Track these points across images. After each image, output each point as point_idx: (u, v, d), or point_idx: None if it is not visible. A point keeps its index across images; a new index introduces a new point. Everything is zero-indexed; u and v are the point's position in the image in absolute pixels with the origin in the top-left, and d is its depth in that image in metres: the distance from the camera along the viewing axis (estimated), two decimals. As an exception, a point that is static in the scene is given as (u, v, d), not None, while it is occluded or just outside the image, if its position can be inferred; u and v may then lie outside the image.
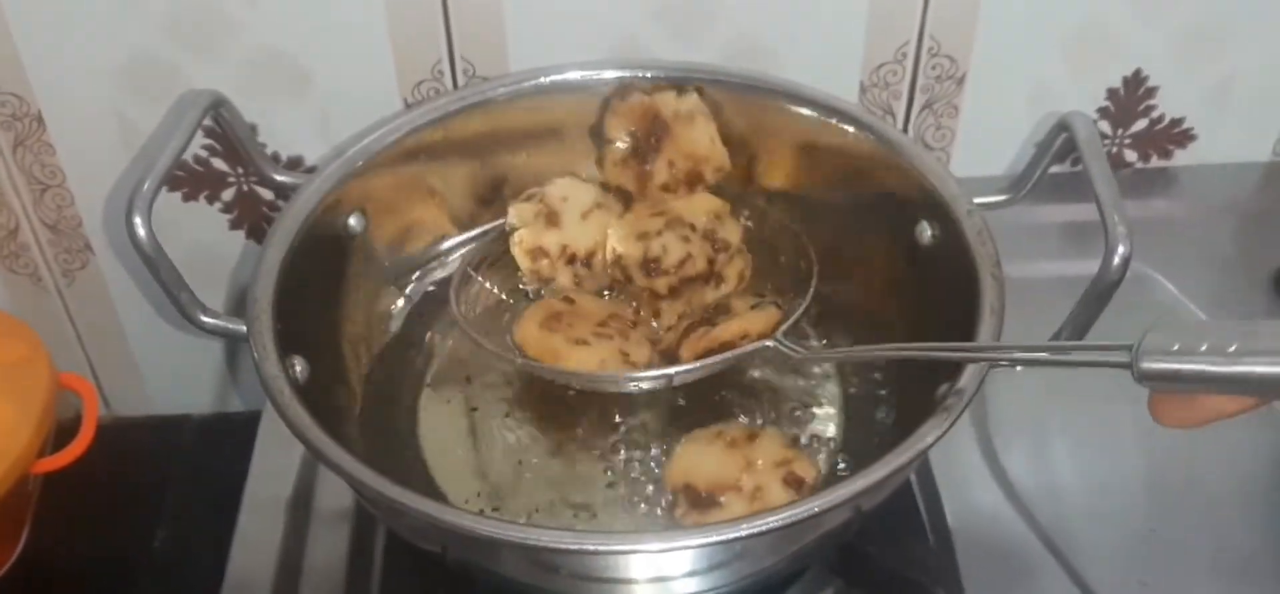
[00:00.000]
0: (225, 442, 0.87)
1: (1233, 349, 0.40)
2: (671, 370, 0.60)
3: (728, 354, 0.60)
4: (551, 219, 0.69)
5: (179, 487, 0.85)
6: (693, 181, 0.69)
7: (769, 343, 0.60)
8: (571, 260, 0.68)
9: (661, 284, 0.66)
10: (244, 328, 0.56)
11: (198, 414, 0.91)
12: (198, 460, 0.88)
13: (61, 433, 0.74)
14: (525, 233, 0.68)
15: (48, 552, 0.76)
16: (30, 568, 0.75)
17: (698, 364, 0.60)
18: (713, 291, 0.67)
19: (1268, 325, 0.41)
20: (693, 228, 0.67)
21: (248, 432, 0.70)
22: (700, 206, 0.68)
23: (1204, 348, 0.41)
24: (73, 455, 0.73)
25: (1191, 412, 0.44)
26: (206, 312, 0.57)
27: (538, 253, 0.68)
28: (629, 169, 0.69)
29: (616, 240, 0.68)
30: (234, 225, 0.81)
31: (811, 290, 0.64)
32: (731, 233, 0.68)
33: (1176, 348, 0.41)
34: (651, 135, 0.68)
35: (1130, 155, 0.83)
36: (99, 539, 0.80)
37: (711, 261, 0.67)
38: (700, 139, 0.68)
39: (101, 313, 0.85)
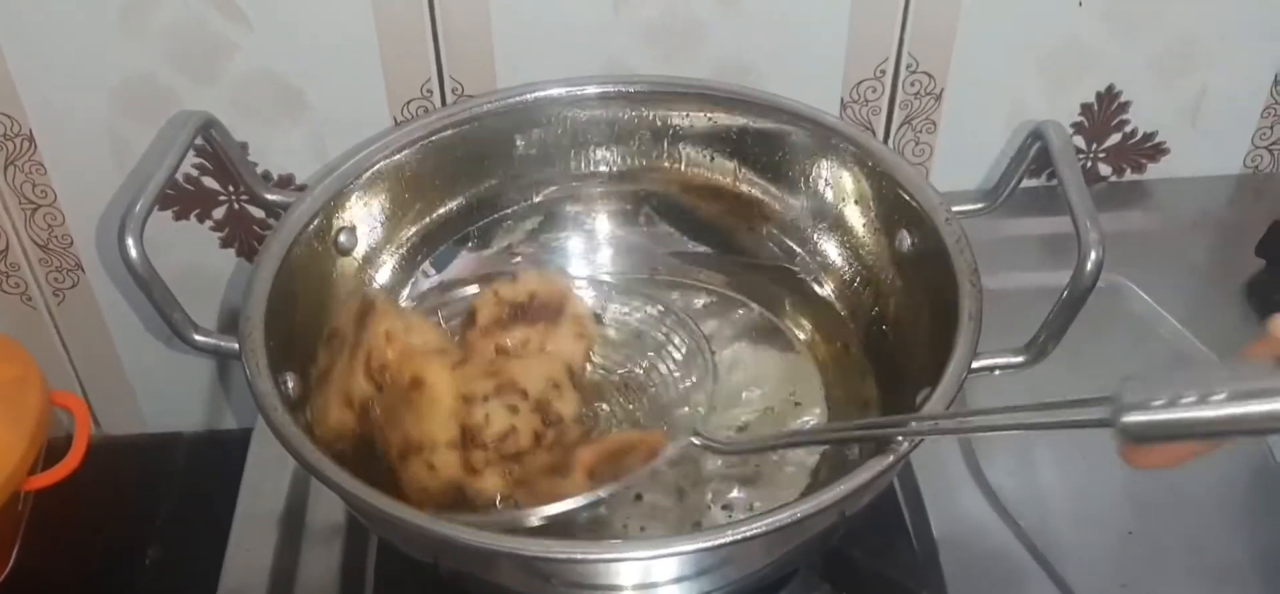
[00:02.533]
0: (217, 459, 0.88)
1: (1221, 395, 0.38)
2: (580, 500, 0.56)
3: (645, 468, 0.57)
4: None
5: (170, 504, 0.86)
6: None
7: (694, 441, 0.59)
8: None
9: (477, 458, 0.59)
10: (236, 345, 0.57)
11: (189, 432, 0.92)
12: (189, 478, 0.89)
13: (52, 451, 0.75)
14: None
15: (39, 570, 0.77)
16: (21, 586, 0.76)
17: (612, 486, 0.56)
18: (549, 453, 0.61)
19: (1245, 365, 0.40)
20: (525, 393, 0.60)
21: (239, 449, 0.71)
22: (537, 370, 0.61)
23: (1190, 398, 0.39)
24: (64, 473, 0.73)
25: (1168, 456, 0.42)
26: (199, 330, 0.58)
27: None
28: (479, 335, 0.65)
29: None
30: (225, 243, 0.81)
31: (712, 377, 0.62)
32: (568, 405, 0.61)
33: (1160, 401, 0.39)
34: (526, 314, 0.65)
35: (1104, 169, 0.85)
36: (90, 557, 0.81)
37: (538, 436, 0.59)
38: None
39: (92, 332, 0.85)
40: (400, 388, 0.59)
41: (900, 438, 0.51)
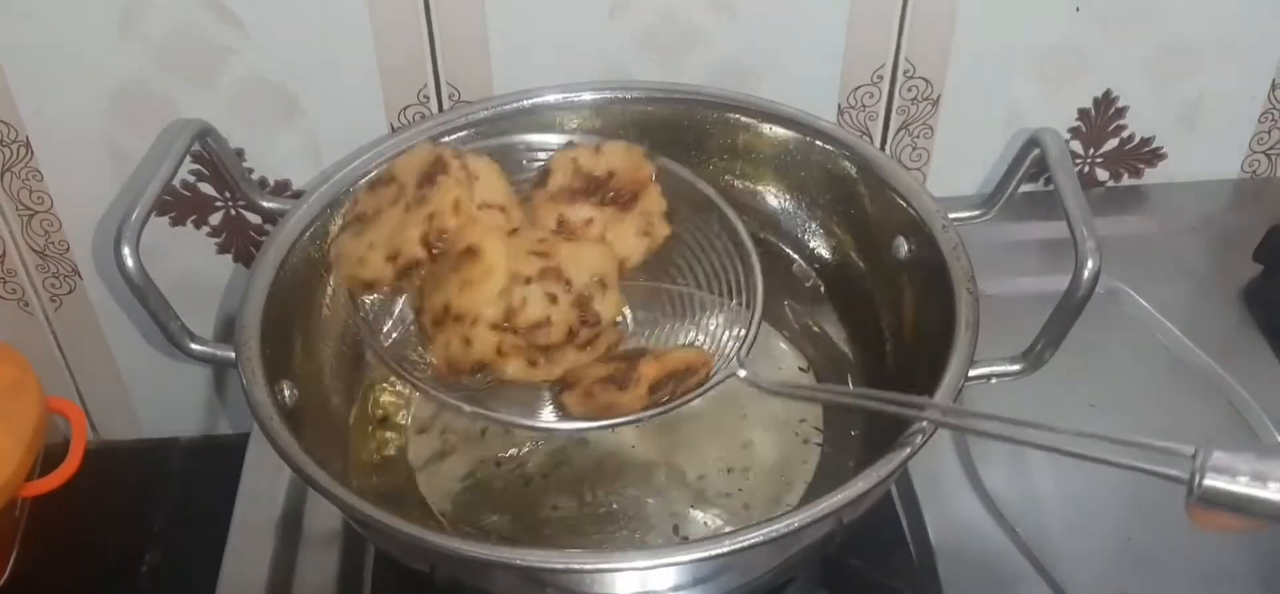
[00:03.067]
0: (214, 464, 0.88)
1: None
2: (620, 420, 0.56)
3: (691, 395, 0.57)
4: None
5: (167, 510, 0.86)
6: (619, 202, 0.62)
7: (741, 374, 0.58)
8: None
9: (506, 341, 0.57)
10: (233, 354, 0.57)
11: (186, 437, 0.92)
12: (186, 483, 0.89)
13: (49, 457, 0.75)
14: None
15: (36, 577, 0.77)
16: (18, 592, 0.76)
17: (655, 410, 0.56)
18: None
19: None
20: (569, 284, 0.58)
21: (236, 454, 0.71)
22: (587, 261, 0.59)
23: (1276, 481, 0.39)
24: (61, 479, 0.74)
25: (1230, 524, 0.42)
26: (195, 339, 0.58)
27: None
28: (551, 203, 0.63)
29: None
30: (222, 249, 0.81)
31: (758, 311, 0.60)
32: (609, 306, 0.58)
33: (1244, 476, 0.40)
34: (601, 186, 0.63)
35: (1102, 174, 0.85)
36: (87, 563, 0.81)
37: (572, 332, 0.57)
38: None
39: (89, 337, 0.85)
40: (452, 253, 0.57)
41: (933, 421, 0.51)
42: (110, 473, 0.85)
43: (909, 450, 0.52)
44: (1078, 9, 0.75)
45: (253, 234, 0.81)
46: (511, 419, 0.58)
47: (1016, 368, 0.56)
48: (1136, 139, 0.83)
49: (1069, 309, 0.54)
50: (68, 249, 0.80)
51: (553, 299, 0.57)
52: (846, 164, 0.68)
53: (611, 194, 0.62)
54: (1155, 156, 0.84)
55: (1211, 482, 0.40)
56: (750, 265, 0.62)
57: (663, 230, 0.62)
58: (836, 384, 0.68)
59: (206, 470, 0.89)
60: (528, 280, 0.57)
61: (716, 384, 0.58)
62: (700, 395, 0.57)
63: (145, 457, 0.90)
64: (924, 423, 0.52)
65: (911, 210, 0.63)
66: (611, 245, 0.61)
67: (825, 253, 0.70)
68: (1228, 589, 0.62)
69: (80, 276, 0.81)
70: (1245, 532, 0.43)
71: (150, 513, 0.86)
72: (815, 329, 0.70)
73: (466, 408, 0.57)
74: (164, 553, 0.83)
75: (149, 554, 0.83)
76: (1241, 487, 0.40)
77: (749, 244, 0.63)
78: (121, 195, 0.76)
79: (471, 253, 0.56)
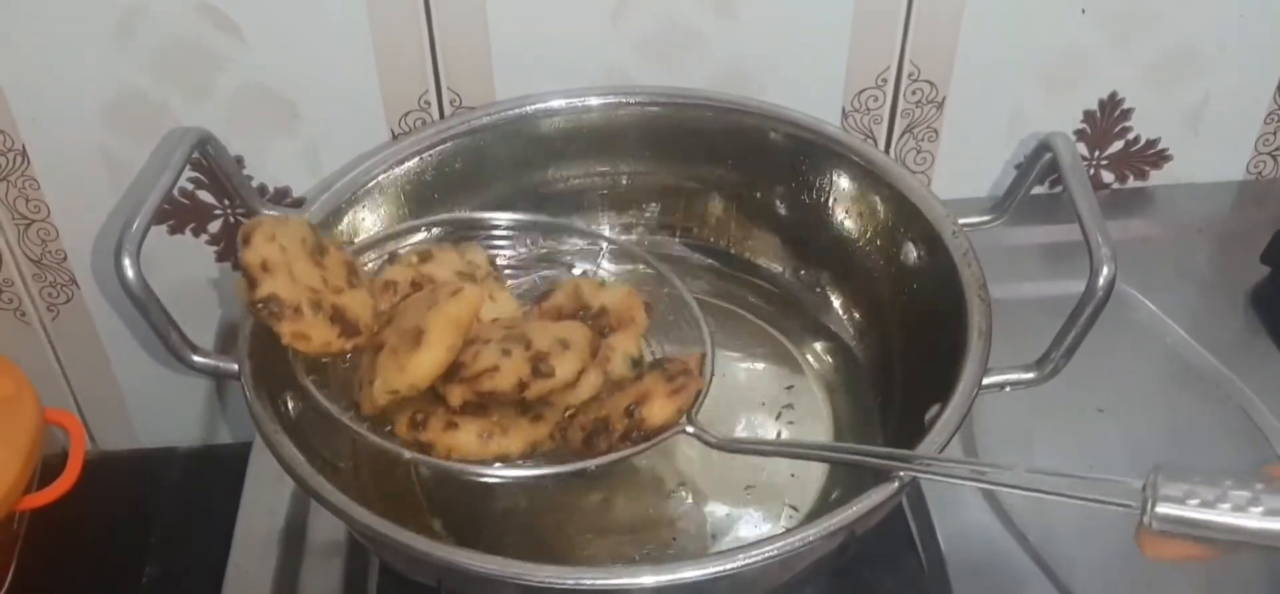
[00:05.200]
0: (213, 474, 0.87)
1: (1259, 508, 0.39)
2: (564, 468, 0.55)
3: (640, 446, 0.55)
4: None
5: (167, 521, 0.85)
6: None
7: (687, 429, 0.56)
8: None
9: (455, 393, 0.55)
10: (235, 366, 0.56)
11: (184, 447, 0.91)
12: (185, 494, 0.88)
13: (47, 468, 0.74)
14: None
15: (35, 588, 0.76)
16: (18, 606, 0.75)
17: (607, 457, 0.55)
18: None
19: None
20: (527, 346, 0.56)
21: (235, 464, 0.70)
22: (554, 330, 0.58)
23: (1225, 503, 0.40)
24: (60, 491, 0.73)
25: (1180, 551, 0.43)
26: (197, 351, 0.57)
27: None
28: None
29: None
30: (221, 257, 0.81)
31: (710, 372, 0.59)
32: (566, 365, 0.56)
33: (1195, 500, 0.40)
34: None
35: (1107, 176, 0.84)
36: (86, 576, 0.80)
37: (523, 385, 0.55)
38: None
39: (87, 347, 0.84)
40: (408, 316, 0.57)
41: (902, 473, 0.51)
42: (108, 484, 0.84)
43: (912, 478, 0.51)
44: (1083, 11, 0.75)
45: (252, 242, 0.80)
46: (451, 466, 0.56)
47: (1031, 376, 0.56)
48: (1142, 141, 0.82)
49: (1086, 317, 0.53)
50: (65, 258, 0.79)
51: (506, 353, 0.55)
52: (852, 169, 0.67)
53: (595, 323, 0.61)
54: (1161, 159, 0.84)
55: (1163, 509, 0.41)
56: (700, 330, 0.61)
57: (620, 368, 0.60)
58: (843, 390, 0.67)
59: (205, 480, 0.88)
60: (487, 341, 0.56)
61: (663, 439, 0.56)
62: (647, 448, 0.56)
63: (143, 467, 0.89)
64: (899, 475, 0.51)
65: (920, 216, 0.63)
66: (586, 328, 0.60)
67: (833, 259, 0.69)
68: (1237, 595, 0.61)
69: (77, 286, 0.81)
70: (1194, 559, 0.43)
71: (149, 524, 0.85)
72: (823, 338, 0.69)
73: (406, 455, 0.56)
74: (163, 564, 0.82)
75: (148, 566, 0.82)
76: (1192, 511, 0.40)
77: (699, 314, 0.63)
78: (121, 204, 0.75)
79: (417, 339, 0.55)
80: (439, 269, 0.63)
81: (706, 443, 0.56)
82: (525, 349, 0.56)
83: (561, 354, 0.56)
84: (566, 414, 0.57)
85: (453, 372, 0.55)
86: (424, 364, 0.54)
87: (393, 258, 0.64)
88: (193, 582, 0.79)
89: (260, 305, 0.54)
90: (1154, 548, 0.44)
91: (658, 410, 0.55)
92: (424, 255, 0.64)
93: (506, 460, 0.56)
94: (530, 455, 0.56)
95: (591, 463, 0.55)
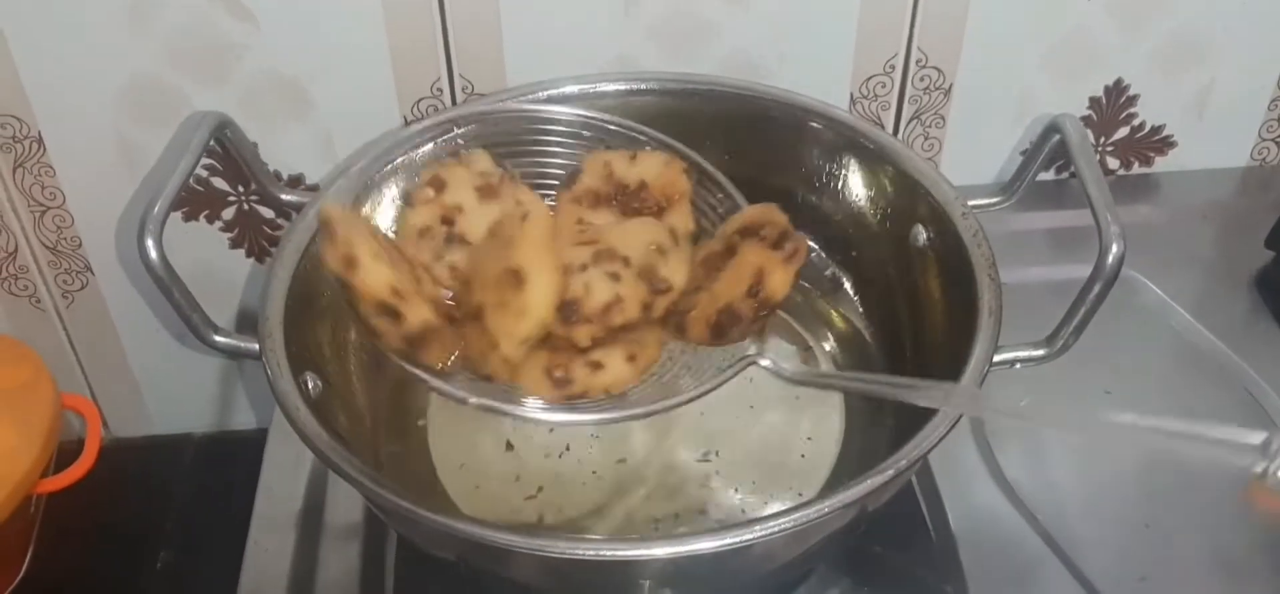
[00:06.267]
0: (225, 460, 0.88)
1: None
2: (632, 411, 0.54)
3: (707, 388, 0.55)
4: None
5: (180, 505, 0.86)
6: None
7: (763, 363, 0.56)
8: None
9: (583, 333, 0.55)
10: (256, 346, 0.56)
11: (198, 433, 0.92)
12: (199, 479, 0.89)
13: (62, 454, 0.75)
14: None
15: (52, 572, 0.76)
16: (35, 590, 0.75)
17: (668, 403, 0.54)
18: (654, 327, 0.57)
19: None
20: (626, 262, 0.55)
21: (248, 448, 0.71)
22: (637, 236, 0.56)
23: None
24: (76, 476, 0.73)
25: None
26: (218, 331, 0.58)
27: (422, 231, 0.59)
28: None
29: None
30: (234, 244, 0.81)
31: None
32: (676, 269, 0.56)
33: None
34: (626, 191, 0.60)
35: (1112, 162, 0.85)
36: (102, 560, 0.81)
37: (647, 306, 0.55)
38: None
39: (101, 334, 0.85)
40: (498, 257, 0.54)
41: (986, 415, 0.51)
42: (123, 469, 0.85)
43: (935, 437, 0.52)
44: (1089, -2, 0.76)
45: (266, 229, 0.81)
46: (523, 412, 0.55)
47: (1040, 353, 0.57)
48: (1147, 127, 0.83)
49: (1095, 295, 0.54)
50: (80, 245, 0.79)
51: (615, 277, 0.54)
52: (862, 152, 0.68)
53: (637, 206, 0.60)
54: (1166, 145, 0.84)
55: None
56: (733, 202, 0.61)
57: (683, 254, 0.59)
58: (860, 371, 0.68)
59: (219, 465, 0.89)
60: (584, 267, 0.55)
61: (736, 372, 0.57)
62: (719, 385, 0.56)
63: (158, 452, 0.90)
64: (956, 414, 0.51)
65: (930, 198, 0.63)
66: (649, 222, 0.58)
67: (843, 242, 0.70)
68: (1245, 575, 0.62)
69: (92, 273, 0.81)
70: None
71: (163, 508, 0.85)
72: (835, 318, 0.70)
73: (471, 401, 0.55)
74: (178, 548, 0.83)
75: (163, 550, 0.83)
76: None
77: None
78: (143, 188, 0.76)
79: (518, 278, 0.53)
80: (459, 193, 0.60)
81: (780, 375, 0.57)
82: (627, 266, 0.54)
83: (666, 260, 0.55)
84: (688, 310, 0.56)
85: (568, 312, 0.54)
86: (540, 295, 0.52)
87: (409, 202, 0.61)
88: (207, 564, 0.80)
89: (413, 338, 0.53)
90: (1266, 501, 0.44)
91: (779, 282, 0.54)
92: (437, 183, 0.61)
93: (650, 370, 0.55)
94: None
95: (658, 407, 0.54)
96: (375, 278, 0.53)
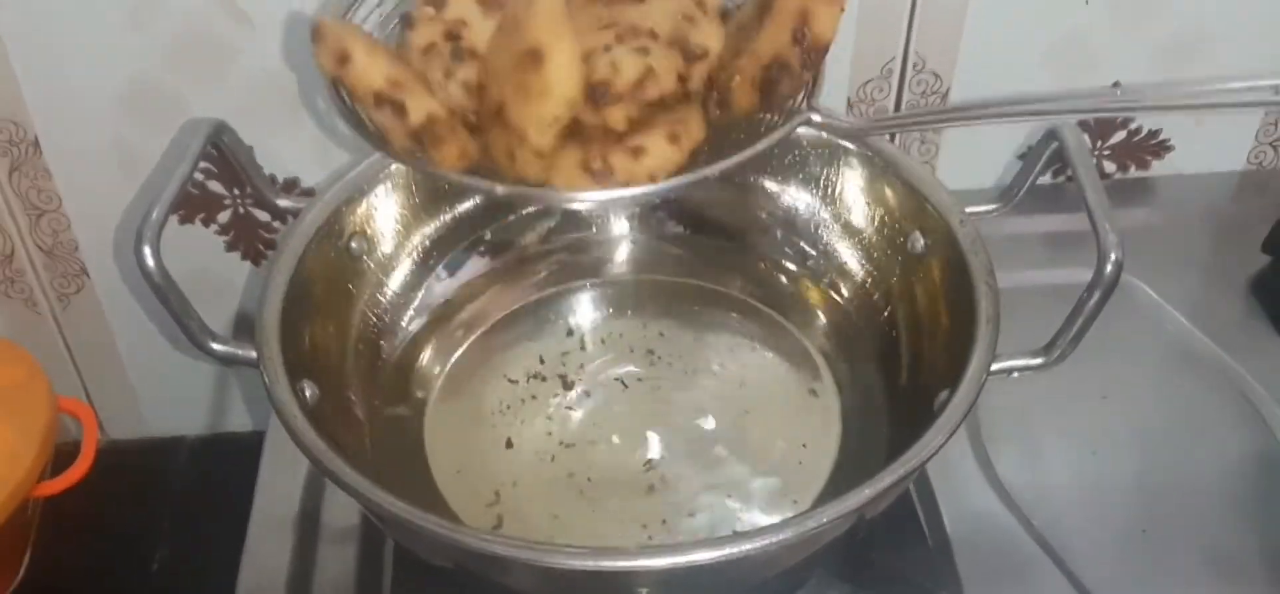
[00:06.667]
0: (219, 461, 0.89)
1: None
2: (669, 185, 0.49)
3: (757, 147, 0.50)
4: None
5: (175, 507, 0.86)
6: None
7: (816, 119, 0.53)
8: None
9: (618, 115, 0.50)
10: (253, 353, 0.56)
11: (191, 435, 0.92)
12: (193, 481, 0.89)
13: (58, 457, 0.75)
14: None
15: (50, 575, 0.77)
16: (32, 592, 0.76)
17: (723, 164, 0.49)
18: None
19: None
20: (653, 34, 0.51)
21: (241, 451, 0.71)
22: (661, 8, 0.51)
23: None
24: (73, 479, 0.74)
25: None
26: (216, 338, 0.57)
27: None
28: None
29: None
30: (230, 247, 0.81)
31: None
32: (709, 34, 0.52)
33: None
34: None
35: (1109, 166, 0.85)
36: (99, 562, 0.81)
37: (683, 78, 0.51)
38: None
39: (96, 336, 0.85)
40: (512, 37, 0.49)
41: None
42: (118, 472, 0.85)
43: (935, 445, 0.52)
44: (1086, 2, 0.75)
45: (261, 233, 0.81)
46: (560, 198, 0.51)
47: (1038, 361, 0.57)
48: (1144, 132, 0.83)
49: (1093, 301, 0.54)
50: (76, 248, 0.79)
51: (644, 51, 0.50)
52: (859, 158, 0.68)
53: None
54: (1162, 149, 0.84)
55: None
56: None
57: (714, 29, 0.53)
58: (856, 372, 0.68)
59: (212, 467, 0.89)
60: (608, 47, 0.50)
61: (793, 127, 0.53)
62: (775, 141, 0.51)
63: (152, 455, 0.90)
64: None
65: (928, 205, 0.63)
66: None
67: (840, 247, 0.70)
68: (1240, 578, 0.62)
69: (88, 275, 0.81)
70: None
71: (159, 510, 0.86)
72: (831, 325, 0.70)
73: (500, 190, 0.51)
74: (173, 549, 0.84)
75: (159, 551, 0.83)
76: None
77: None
78: (139, 195, 0.76)
79: (535, 57, 0.48)
80: (460, 6, 0.54)
81: (836, 130, 0.56)
82: (655, 39, 0.50)
83: (697, 27, 0.51)
84: (730, 80, 0.52)
85: (598, 95, 0.49)
86: (561, 69, 0.48)
87: (409, 23, 0.55)
88: (202, 565, 0.79)
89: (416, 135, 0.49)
90: None
91: (825, 19, 0.50)
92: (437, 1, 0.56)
93: (699, 150, 0.51)
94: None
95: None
96: (370, 70, 0.49)
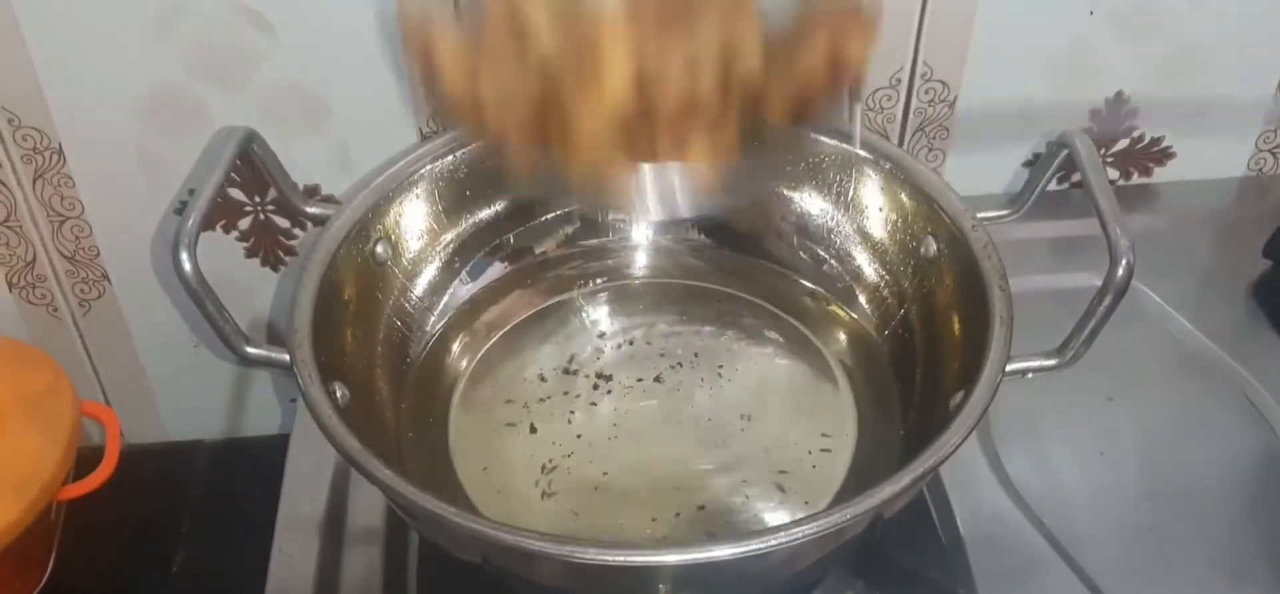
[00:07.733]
0: (239, 464, 0.90)
1: None
2: None
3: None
4: None
5: (194, 510, 0.87)
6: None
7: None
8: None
9: (663, 108, 0.53)
10: (287, 357, 0.58)
11: (209, 439, 0.93)
12: (211, 485, 0.89)
13: (78, 462, 0.75)
14: None
15: (73, 578, 0.77)
16: (57, 594, 0.76)
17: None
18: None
19: None
20: (696, 33, 0.53)
21: (259, 454, 0.72)
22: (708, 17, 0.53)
23: None
24: (97, 482, 0.74)
25: None
26: (250, 342, 0.59)
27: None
28: None
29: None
30: (249, 254, 0.82)
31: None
32: (752, 52, 0.53)
33: None
34: None
35: (1112, 173, 0.87)
36: (120, 566, 0.81)
37: (725, 79, 0.53)
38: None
39: (117, 342, 0.86)
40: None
41: None
42: (137, 475, 0.86)
43: (954, 444, 0.53)
44: (1092, 12, 0.77)
45: (281, 239, 0.82)
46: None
47: (1052, 362, 0.58)
48: (1147, 139, 0.85)
49: (1104, 304, 0.55)
50: (97, 254, 0.80)
51: (696, 61, 0.52)
52: (872, 165, 0.70)
53: None
54: (1165, 156, 0.86)
55: None
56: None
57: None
58: (870, 374, 0.69)
59: (232, 469, 0.90)
60: (656, 41, 0.52)
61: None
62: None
63: (171, 459, 0.91)
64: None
65: (940, 211, 0.65)
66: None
67: (854, 253, 0.71)
68: (1247, 577, 0.63)
69: (109, 281, 0.82)
70: None
71: (178, 514, 0.86)
72: (848, 327, 0.72)
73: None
74: (193, 552, 0.84)
75: (178, 554, 0.84)
76: None
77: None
78: (164, 200, 0.77)
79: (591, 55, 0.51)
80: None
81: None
82: (694, 47, 0.52)
83: (742, 43, 0.53)
84: (762, 92, 0.54)
85: (646, 86, 0.52)
86: (617, 64, 0.51)
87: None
88: (221, 568, 0.81)
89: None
90: None
91: (858, 46, 0.52)
92: None
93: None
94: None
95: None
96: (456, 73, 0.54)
